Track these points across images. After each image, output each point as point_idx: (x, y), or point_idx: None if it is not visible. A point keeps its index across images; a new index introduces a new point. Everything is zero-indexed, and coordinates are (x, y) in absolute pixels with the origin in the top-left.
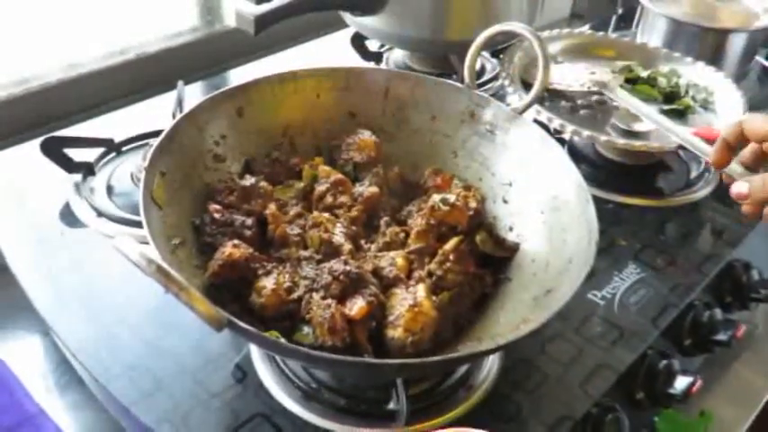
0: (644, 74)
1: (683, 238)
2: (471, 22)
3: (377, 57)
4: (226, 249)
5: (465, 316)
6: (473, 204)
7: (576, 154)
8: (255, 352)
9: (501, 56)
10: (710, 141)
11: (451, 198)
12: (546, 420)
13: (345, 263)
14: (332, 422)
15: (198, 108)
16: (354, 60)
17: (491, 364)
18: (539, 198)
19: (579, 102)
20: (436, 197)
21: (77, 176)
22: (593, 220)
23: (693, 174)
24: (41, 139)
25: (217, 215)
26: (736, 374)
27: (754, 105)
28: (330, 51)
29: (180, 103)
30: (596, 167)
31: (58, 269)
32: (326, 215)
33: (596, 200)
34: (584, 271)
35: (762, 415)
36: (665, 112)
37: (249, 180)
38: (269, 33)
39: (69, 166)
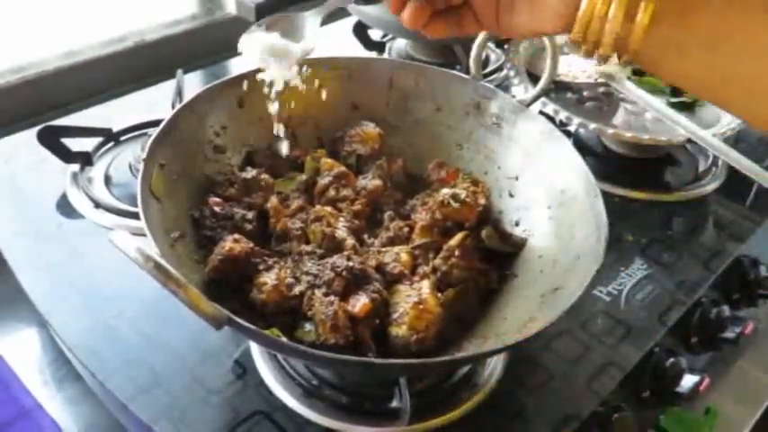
0: None
1: (691, 233)
2: None
3: (379, 46)
4: (226, 244)
5: (470, 313)
6: (482, 201)
7: (581, 147)
8: (255, 348)
9: (506, 46)
10: None
11: (462, 194)
12: (551, 419)
13: (348, 258)
14: (333, 420)
15: (197, 98)
16: (357, 50)
17: (496, 362)
18: (546, 192)
19: (585, 93)
20: (446, 192)
21: (75, 166)
22: (601, 215)
23: (701, 167)
24: (38, 128)
25: (217, 208)
26: (742, 371)
27: None
28: (332, 40)
29: (179, 92)
30: (602, 160)
31: (55, 261)
32: (329, 209)
33: (602, 193)
34: (592, 269)
35: (767, 413)
36: (673, 105)
37: (250, 172)
38: None
39: (66, 155)
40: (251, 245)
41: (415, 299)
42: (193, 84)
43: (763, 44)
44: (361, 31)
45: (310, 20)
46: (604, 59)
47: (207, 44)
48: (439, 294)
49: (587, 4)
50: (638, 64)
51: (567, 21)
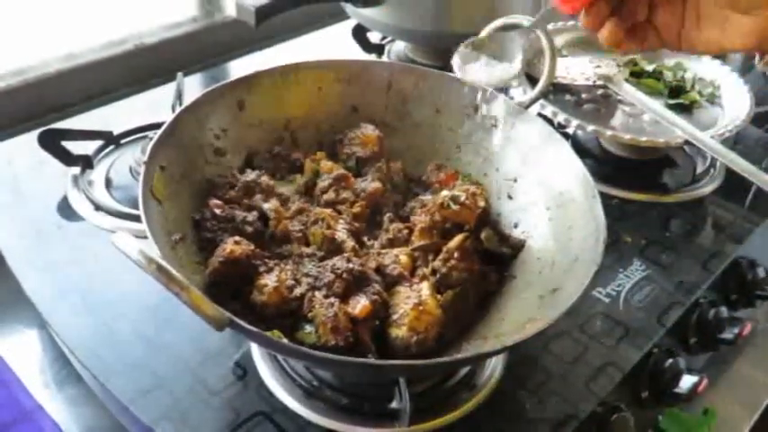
0: (649, 67)
1: (689, 234)
2: (474, 14)
3: (379, 49)
4: (227, 246)
5: (469, 314)
6: (481, 203)
7: (579, 148)
8: (256, 349)
9: None
10: None
11: (461, 196)
12: (551, 420)
13: (348, 260)
14: (334, 421)
15: (198, 101)
16: (356, 52)
17: (495, 362)
18: (544, 194)
19: (584, 96)
20: (445, 194)
21: (75, 169)
22: (600, 217)
23: (699, 169)
24: (39, 131)
25: (217, 211)
26: (740, 372)
27: (759, 100)
28: (331, 43)
29: (179, 95)
30: (600, 162)
31: (55, 263)
32: (329, 211)
33: (600, 195)
34: (591, 270)
35: (766, 414)
36: (671, 107)
37: (250, 175)
38: (270, 25)
39: (67, 158)
40: (251, 247)
41: (415, 300)
42: (194, 87)
43: None
44: (360, 33)
45: (514, 42)
46: None
47: (207, 47)
48: (438, 296)
49: None
50: None
51: (758, 39)
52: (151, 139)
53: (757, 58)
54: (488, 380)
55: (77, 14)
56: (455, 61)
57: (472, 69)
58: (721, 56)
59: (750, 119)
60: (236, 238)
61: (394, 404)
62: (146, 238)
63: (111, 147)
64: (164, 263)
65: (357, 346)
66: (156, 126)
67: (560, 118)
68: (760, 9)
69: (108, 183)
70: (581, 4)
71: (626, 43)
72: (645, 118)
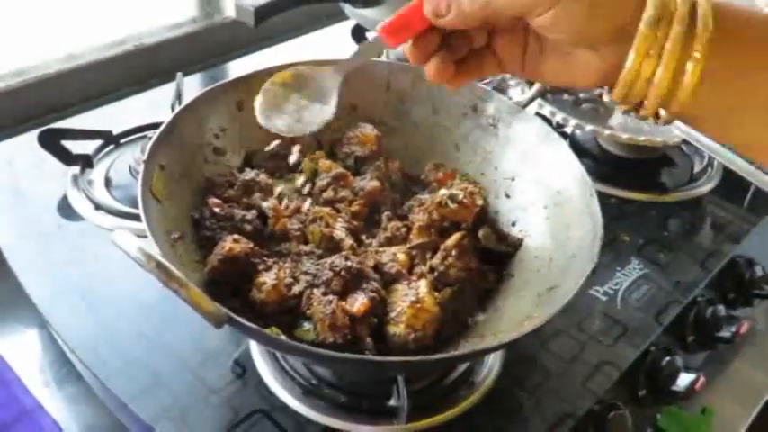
0: None
1: (687, 233)
2: None
3: None
4: (226, 244)
5: (467, 312)
6: (479, 202)
7: (578, 148)
8: (255, 347)
9: None
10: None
11: (459, 195)
12: (548, 418)
13: (346, 258)
14: (332, 418)
15: (197, 101)
16: None
17: (493, 361)
18: (542, 193)
19: (582, 95)
20: (443, 193)
21: (75, 169)
22: (597, 216)
23: (697, 168)
24: (39, 131)
25: (217, 209)
26: (738, 370)
27: None
28: (330, 43)
29: (179, 95)
30: (598, 162)
31: (56, 263)
32: (327, 209)
33: (598, 195)
34: (588, 268)
35: (763, 412)
36: None
37: (249, 174)
38: (269, 25)
39: (67, 158)
40: (250, 245)
41: (413, 298)
42: (193, 87)
43: None
44: (359, 34)
45: (330, 79)
46: (644, 118)
47: (206, 47)
48: (436, 293)
49: (632, 63)
50: (683, 123)
51: (603, 75)
52: (151, 138)
53: (605, 91)
54: (486, 378)
55: (77, 15)
56: (258, 103)
57: (277, 113)
58: None
59: None
60: (235, 236)
61: (392, 401)
62: (145, 236)
63: (111, 146)
64: (163, 260)
65: (355, 344)
66: (156, 126)
67: (558, 117)
68: (606, 45)
69: (108, 182)
70: (407, 36)
71: (456, 79)
72: None
